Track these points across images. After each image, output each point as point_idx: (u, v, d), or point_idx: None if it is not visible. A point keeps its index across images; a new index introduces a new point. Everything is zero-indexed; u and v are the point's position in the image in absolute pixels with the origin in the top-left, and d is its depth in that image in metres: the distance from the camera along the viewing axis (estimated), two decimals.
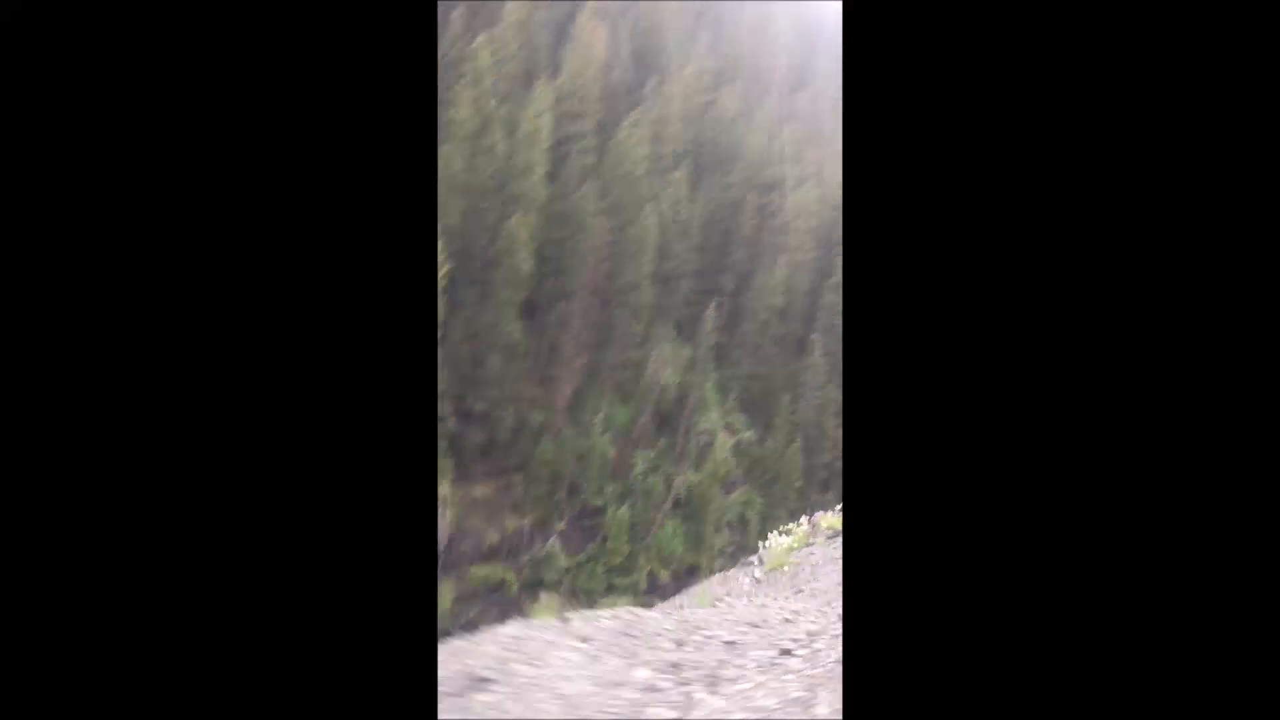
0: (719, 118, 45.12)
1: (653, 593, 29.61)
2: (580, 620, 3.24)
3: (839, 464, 43.84)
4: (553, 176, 34.31)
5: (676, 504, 36.78)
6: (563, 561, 33.63)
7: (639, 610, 3.72)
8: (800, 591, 5.79)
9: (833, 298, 42.99)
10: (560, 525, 34.20)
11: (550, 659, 2.86)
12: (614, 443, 35.85)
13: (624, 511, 34.73)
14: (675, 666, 2.97)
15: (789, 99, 52.72)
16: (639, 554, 35.42)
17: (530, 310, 34.19)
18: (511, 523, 33.74)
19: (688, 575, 34.56)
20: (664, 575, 34.68)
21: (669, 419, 38.09)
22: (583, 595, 31.73)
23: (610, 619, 3.36)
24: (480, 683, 2.57)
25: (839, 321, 42.82)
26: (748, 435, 40.35)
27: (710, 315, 38.43)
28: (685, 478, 36.84)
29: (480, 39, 32.23)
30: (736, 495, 39.29)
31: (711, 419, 39.19)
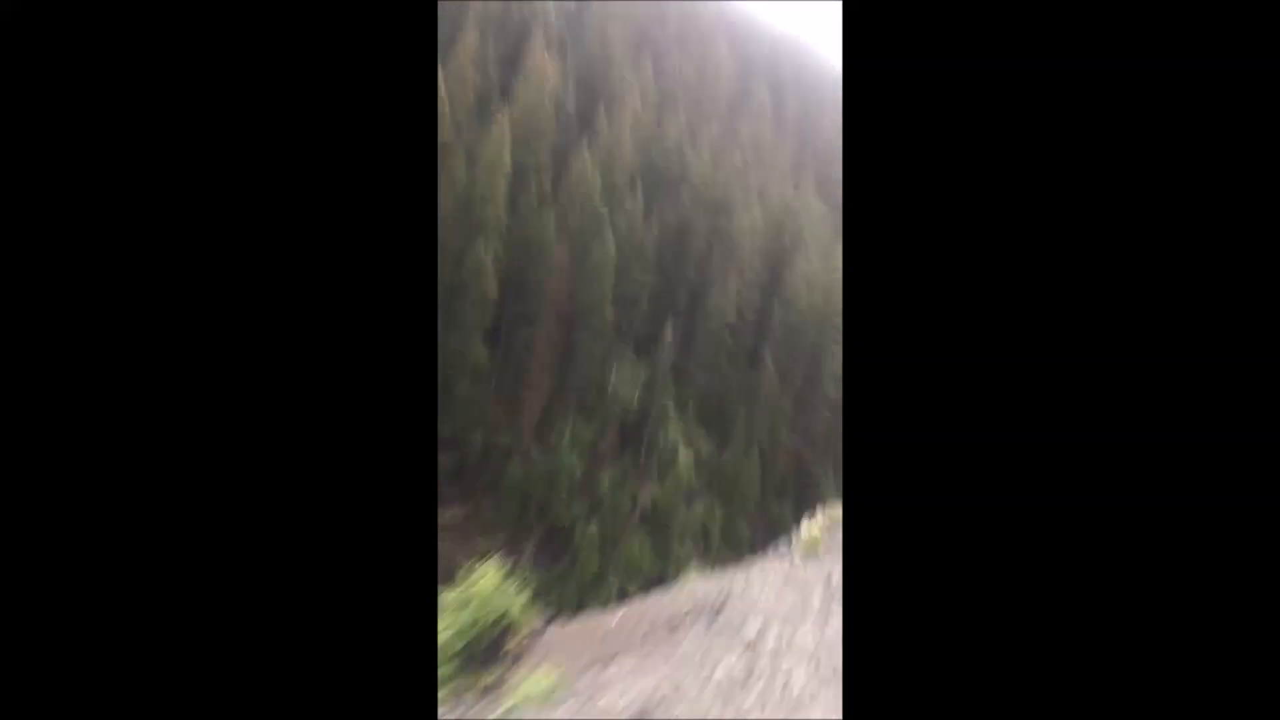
0: (665, 143, 46.79)
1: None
2: (752, 573, 4.35)
3: (793, 472, 45.61)
4: (512, 203, 35.20)
5: (643, 518, 37.75)
6: (534, 581, 34.07)
7: (778, 570, 4.86)
8: None
9: (781, 313, 45.01)
10: (531, 545, 34.73)
11: (749, 594, 3.94)
12: (581, 461, 36.65)
13: (593, 528, 35.48)
14: (833, 594, 4.10)
15: (730, 124, 54.90)
16: (608, 569, 36.19)
17: (495, 334, 34.86)
18: (483, 544, 34.11)
19: (655, 584, 35.51)
20: (632, 588, 35.50)
21: (632, 435, 39.12)
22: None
23: (766, 572, 4.48)
24: (722, 604, 3.62)
25: (788, 335, 44.83)
26: (707, 448, 41.78)
27: (668, 333, 39.78)
28: (650, 492, 37.90)
29: (438, 71, 33.06)
30: (698, 507, 40.57)
31: (672, 434, 40.43)
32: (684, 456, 40.40)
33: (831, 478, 45.10)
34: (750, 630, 3.32)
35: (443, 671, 3.33)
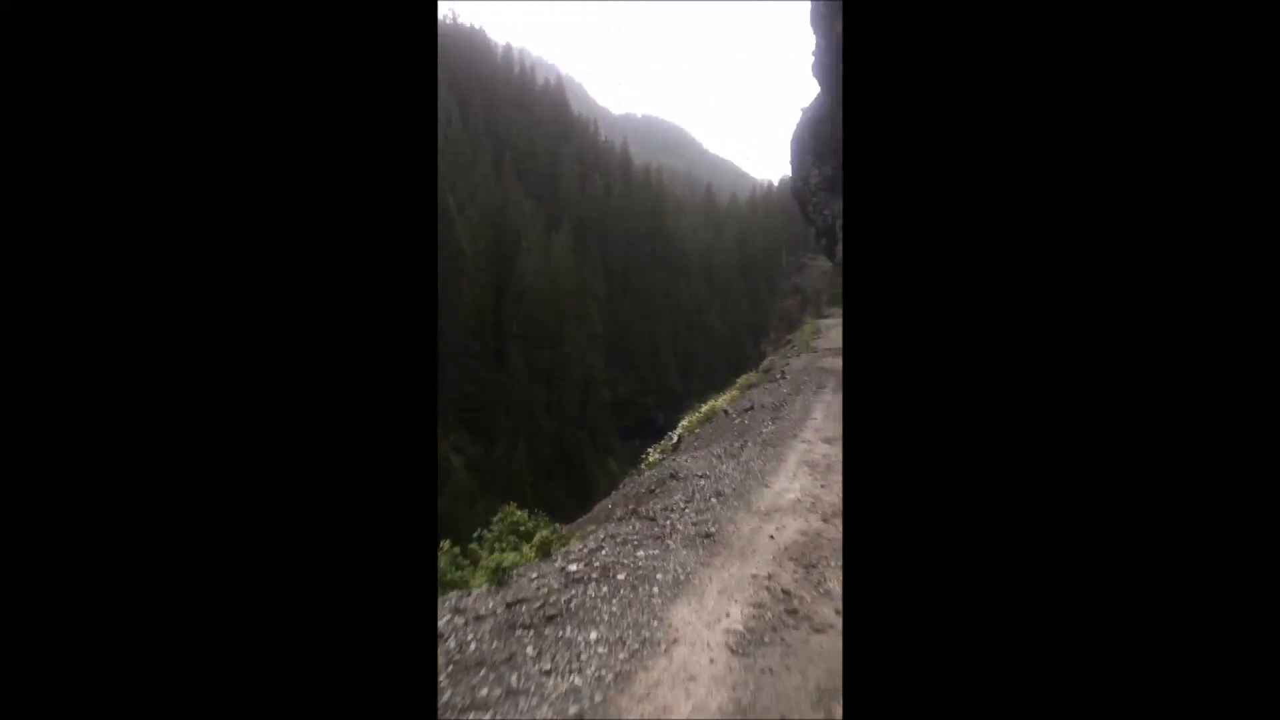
0: None
1: None
2: (667, 464, 6.83)
3: (559, 452, 48.77)
4: None
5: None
6: None
7: (672, 459, 7.39)
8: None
9: (516, 308, 47.52)
10: None
11: (685, 466, 6.42)
12: None
13: None
14: (716, 457, 6.73)
15: None
16: None
17: None
18: None
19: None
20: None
21: None
22: None
23: (674, 462, 7.01)
24: (676, 473, 6.05)
25: (526, 327, 47.52)
26: (475, 451, 43.20)
27: None
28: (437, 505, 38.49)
29: None
30: (480, 507, 41.91)
31: (441, 444, 41.18)
32: (457, 463, 41.44)
33: (593, 449, 49.00)
34: (699, 472, 5.81)
35: (533, 556, 5.14)
